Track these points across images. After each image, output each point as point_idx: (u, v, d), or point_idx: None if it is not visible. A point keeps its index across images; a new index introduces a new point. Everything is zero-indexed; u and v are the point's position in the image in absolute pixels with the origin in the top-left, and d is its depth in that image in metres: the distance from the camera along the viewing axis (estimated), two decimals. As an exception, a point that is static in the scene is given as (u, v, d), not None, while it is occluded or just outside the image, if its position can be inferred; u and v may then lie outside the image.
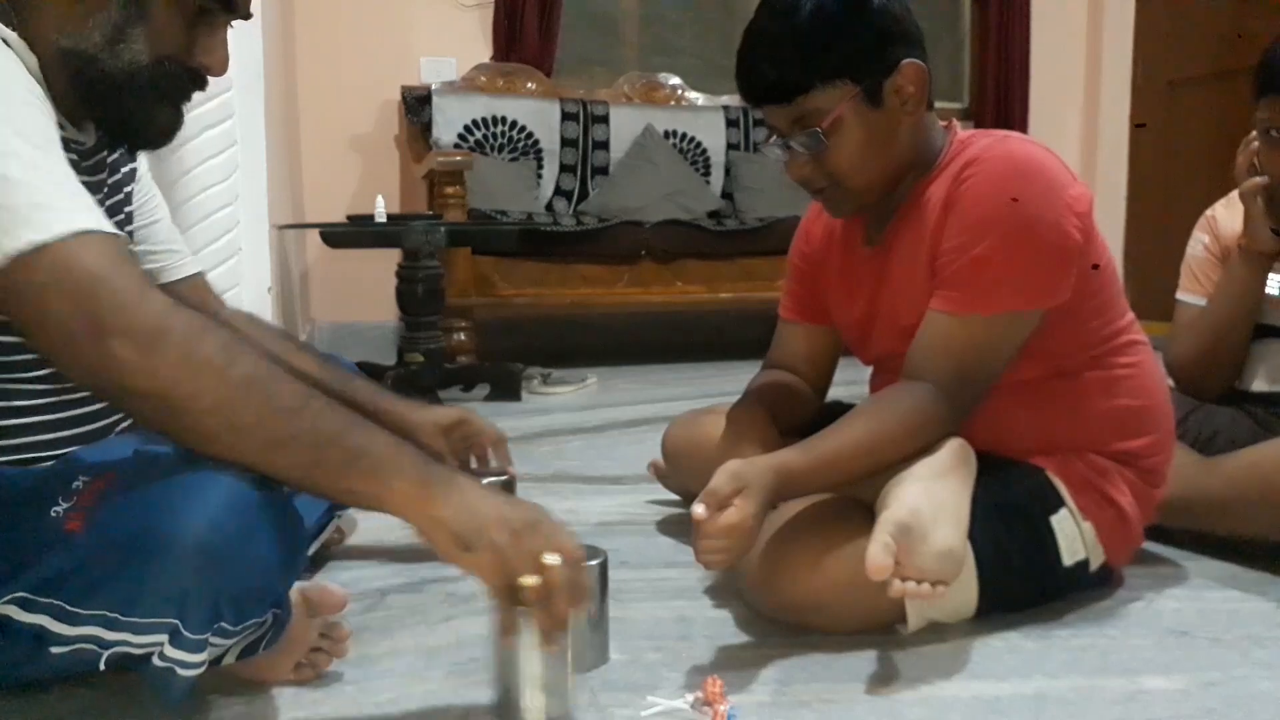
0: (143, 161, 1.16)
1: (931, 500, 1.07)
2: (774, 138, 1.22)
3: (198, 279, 1.24)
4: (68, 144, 0.90)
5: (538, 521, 0.86)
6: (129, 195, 1.12)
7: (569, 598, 0.84)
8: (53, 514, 0.83)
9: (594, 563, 1.08)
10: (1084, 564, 1.20)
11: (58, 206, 0.78)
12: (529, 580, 0.82)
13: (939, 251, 1.16)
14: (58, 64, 0.90)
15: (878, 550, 1.00)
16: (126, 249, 0.82)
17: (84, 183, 0.85)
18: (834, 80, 1.15)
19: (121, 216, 1.08)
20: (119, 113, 0.94)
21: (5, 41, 0.86)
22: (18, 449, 0.94)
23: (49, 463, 0.93)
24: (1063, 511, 1.18)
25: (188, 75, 0.96)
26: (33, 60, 0.89)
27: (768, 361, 1.51)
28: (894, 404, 1.15)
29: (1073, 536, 1.18)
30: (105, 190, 1.04)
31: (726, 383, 3.03)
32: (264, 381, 0.80)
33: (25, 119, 0.81)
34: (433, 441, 1.30)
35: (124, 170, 1.10)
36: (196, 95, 0.99)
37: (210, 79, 0.99)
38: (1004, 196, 1.12)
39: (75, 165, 0.89)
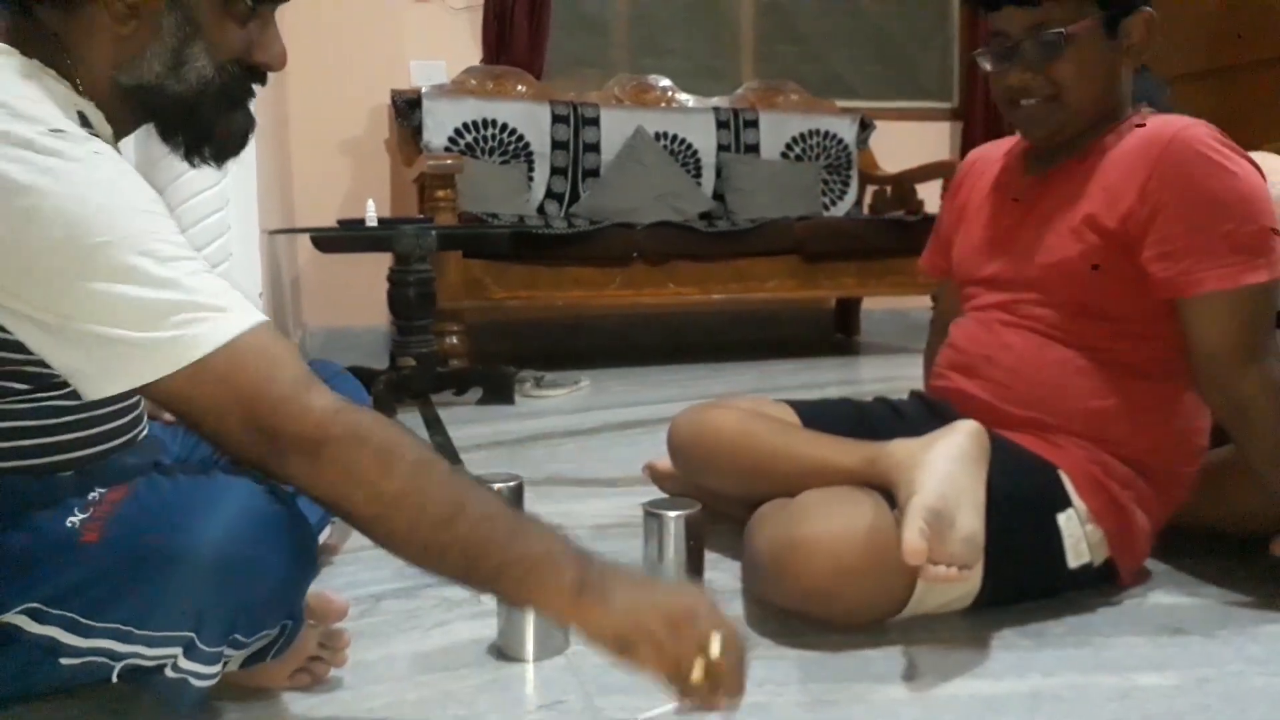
0: None
1: (955, 485, 1.08)
2: (993, 44, 1.26)
3: None
4: None
5: (694, 608, 0.84)
6: None
7: (732, 685, 0.84)
8: (68, 525, 0.83)
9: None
10: (1087, 567, 1.20)
11: (203, 318, 0.78)
12: (696, 674, 0.81)
13: (1151, 224, 1.17)
14: (119, 99, 0.88)
15: (914, 535, 1.01)
16: (274, 335, 0.82)
17: None
18: None
19: None
20: (199, 130, 0.93)
21: (83, 118, 0.83)
22: (36, 458, 0.93)
23: (66, 473, 0.92)
24: (1070, 511, 1.18)
25: (251, 75, 0.96)
26: (100, 117, 0.88)
27: (935, 318, 1.65)
28: (1256, 399, 1.16)
29: (1078, 538, 1.18)
30: None
31: (719, 383, 3.04)
32: (418, 494, 0.81)
33: (147, 228, 0.79)
34: None
35: None
36: None
37: (266, 82, 0.99)
38: (1236, 178, 1.16)
39: None
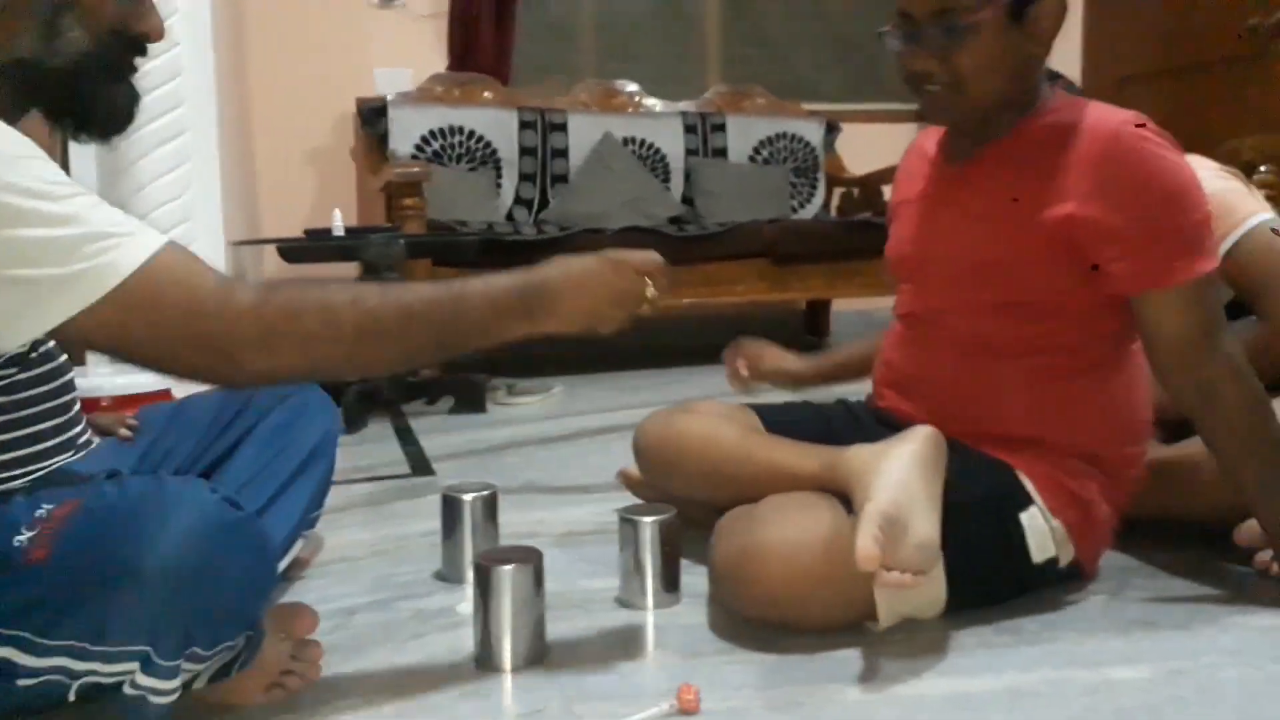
0: None
1: (909, 491, 1.08)
2: (897, 27, 1.23)
3: None
4: None
5: (619, 262, 1.07)
6: None
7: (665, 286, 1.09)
8: (15, 543, 0.81)
9: (528, 564, 1.09)
10: (1053, 561, 1.21)
11: (108, 248, 0.79)
12: (646, 309, 1.10)
13: (1104, 223, 1.15)
14: None
15: (867, 541, 1.01)
16: (184, 250, 0.85)
17: None
18: None
19: None
20: (79, 104, 0.93)
21: None
22: None
23: (11, 485, 0.90)
24: (1032, 509, 1.19)
25: (130, 46, 0.95)
26: None
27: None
28: (1224, 380, 1.17)
29: (1042, 534, 1.19)
30: None
31: (690, 388, 3.04)
32: (371, 322, 0.89)
33: (33, 172, 0.79)
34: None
35: None
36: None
37: (147, 53, 0.98)
38: (1180, 170, 1.16)
39: None
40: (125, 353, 0.82)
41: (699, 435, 1.35)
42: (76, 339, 0.82)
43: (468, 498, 1.39)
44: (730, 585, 1.17)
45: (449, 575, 1.38)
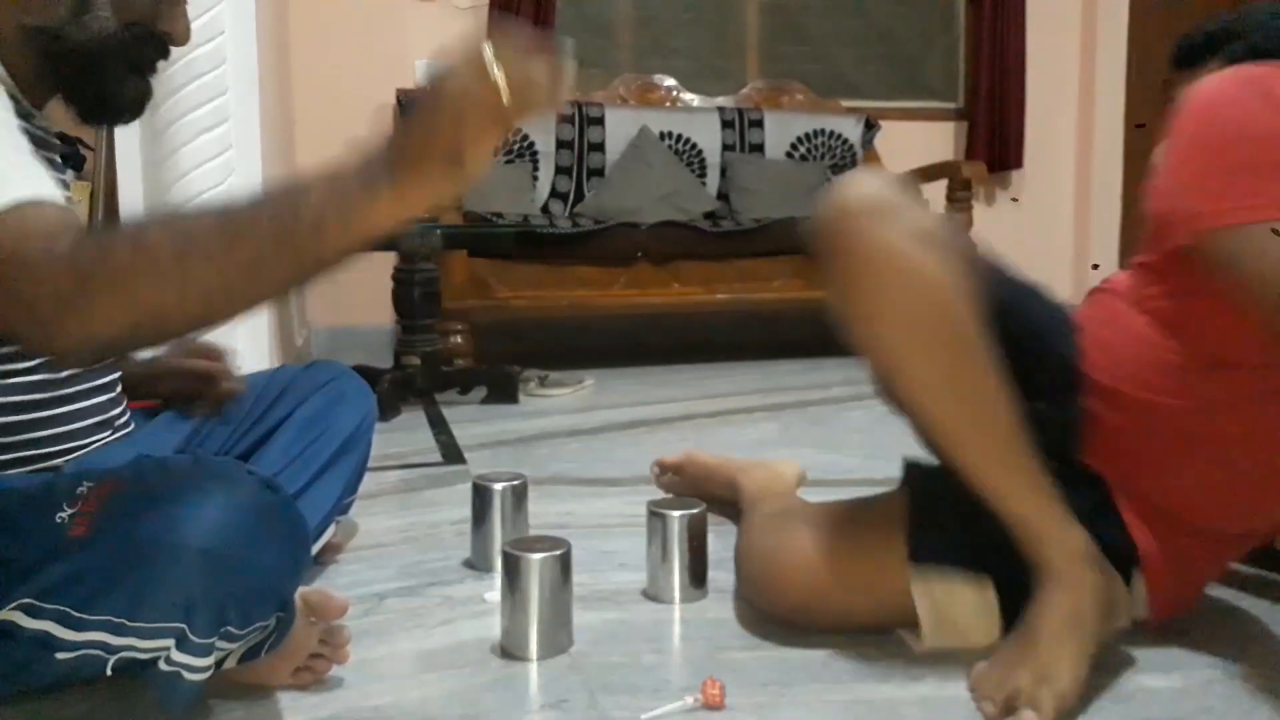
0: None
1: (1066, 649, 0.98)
2: None
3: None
4: (27, 131, 0.89)
5: (440, 98, 0.75)
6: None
7: (539, 78, 0.75)
8: (58, 519, 0.83)
9: (557, 553, 1.09)
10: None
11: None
12: (500, 82, 0.72)
13: None
14: (21, 44, 0.89)
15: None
16: (61, 214, 0.76)
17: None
18: None
19: None
20: (91, 84, 0.94)
21: None
22: (28, 450, 0.93)
23: (54, 465, 0.92)
24: (1135, 574, 1.08)
25: (154, 43, 0.96)
26: None
27: None
28: None
29: (1136, 600, 1.09)
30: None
31: (723, 384, 3.04)
32: (185, 241, 0.73)
33: None
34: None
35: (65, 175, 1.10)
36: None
37: (169, 55, 0.99)
38: None
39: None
40: None
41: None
42: None
43: (498, 487, 1.40)
44: (755, 592, 1.19)
45: (478, 563, 1.39)
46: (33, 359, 0.93)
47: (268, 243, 0.74)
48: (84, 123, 1.00)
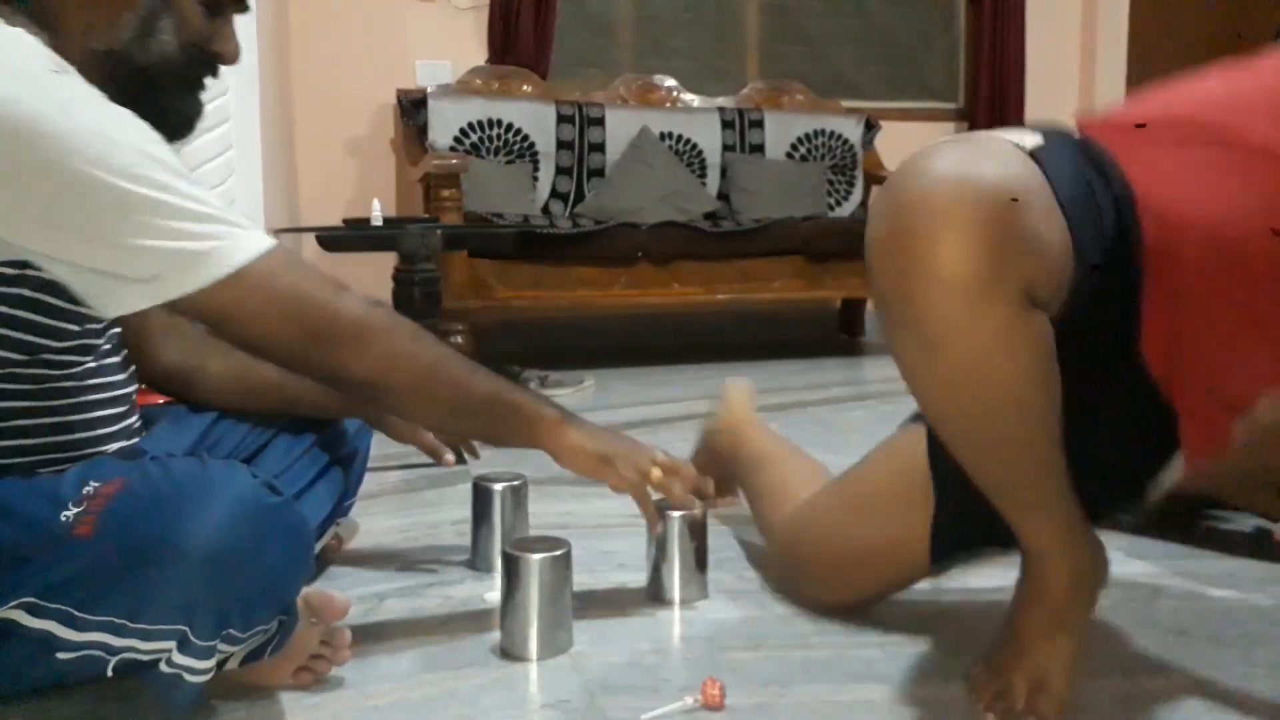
0: None
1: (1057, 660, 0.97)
2: None
3: None
4: None
5: (632, 440, 1.16)
6: None
7: (688, 476, 1.16)
8: (63, 519, 0.83)
9: (557, 553, 1.10)
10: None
11: (236, 230, 0.87)
12: (657, 474, 1.12)
13: None
14: (87, 67, 0.91)
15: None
16: (293, 251, 0.94)
17: None
18: None
19: None
20: (154, 105, 0.96)
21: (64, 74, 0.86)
22: (39, 455, 0.93)
23: (64, 468, 0.92)
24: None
25: (207, 63, 1.00)
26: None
27: None
28: None
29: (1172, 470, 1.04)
30: None
31: (722, 384, 3.03)
32: (444, 366, 1.00)
33: (173, 158, 0.86)
34: (410, 430, 1.42)
35: None
36: None
37: (219, 74, 1.03)
38: None
39: None
40: (229, 323, 0.89)
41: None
42: (189, 312, 0.89)
43: (498, 487, 1.40)
44: (790, 580, 1.24)
45: (478, 564, 1.39)
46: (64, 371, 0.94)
47: (485, 411, 1.04)
48: None
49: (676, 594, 1.25)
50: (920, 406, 0.96)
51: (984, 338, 0.82)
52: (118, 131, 0.83)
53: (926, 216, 0.81)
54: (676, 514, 1.25)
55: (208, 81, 1.02)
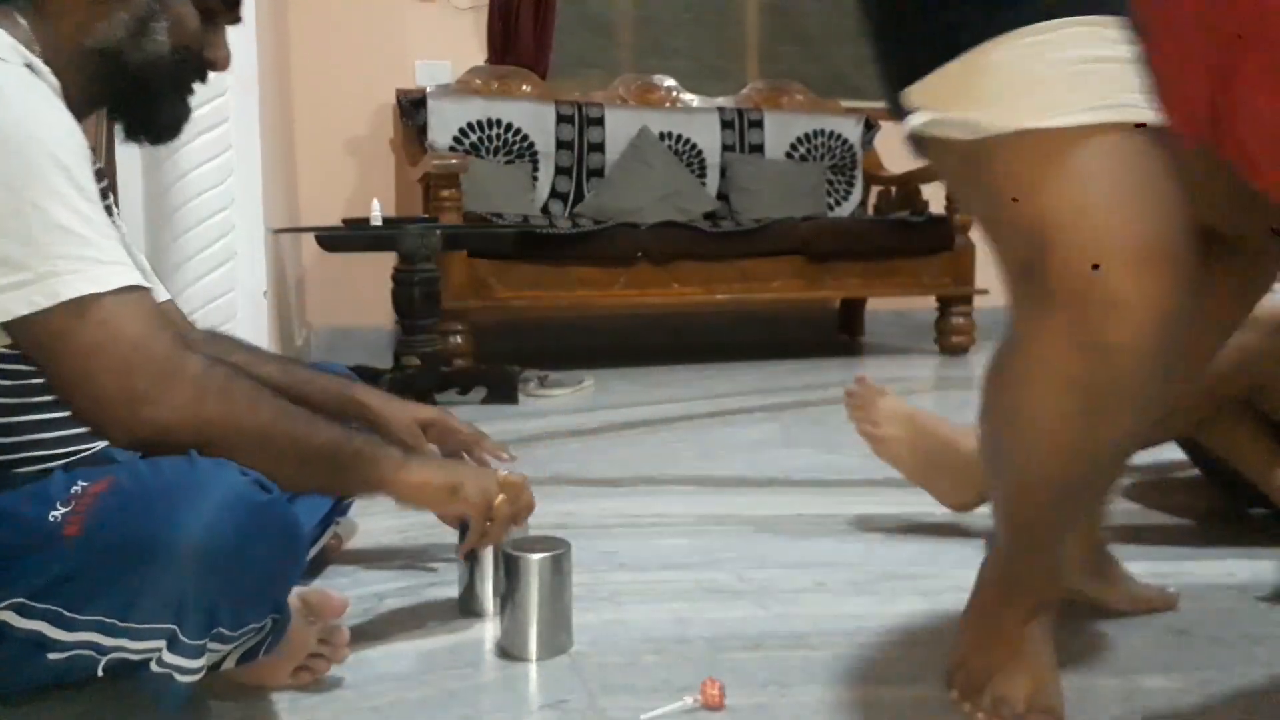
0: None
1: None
2: None
3: (170, 306, 1.24)
4: None
5: (476, 469, 1.14)
6: (110, 207, 1.12)
7: (525, 507, 1.16)
8: (51, 518, 0.83)
9: (557, 553, 1.09)
10: None
11: (106, 260, 0.85)
12: (499, 500, 1.09)
13: None
14: (79, 65, 0.92)
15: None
16: (157, 303, 0.91)
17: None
18: None
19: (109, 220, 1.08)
20: (142, 104, 0.98)
21: (33, 70, 0.87)
22: (29, 452, 0.93)
23: (51, 465, 0.92)
24: None
25: (197, 68, 1.01)
26: (56, 83, 0.91)
27: None
28: None
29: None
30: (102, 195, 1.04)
31: (723, 384, 3.04)
32: (283, 420, 0.94)
33: (80, 170, 0.86)
34: (413, 438, 1.33)
35: (103, 183, 1.10)
36: (193, 101, 1.03)
37: (207, 80, 1.05)
38: None
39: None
40: (52, 353, 0.85)
41: None
42: (19, 340, 0.86)
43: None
44: None
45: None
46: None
47: (329, 465, 0.98)
48: (127, 139, 1.05)
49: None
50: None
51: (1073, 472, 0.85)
52: (38, 128, 0.83)
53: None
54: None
55: (196, 87, 1.03)
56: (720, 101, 4.07)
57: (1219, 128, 0.77)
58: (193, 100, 1.04)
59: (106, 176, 1.10)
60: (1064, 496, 0.88)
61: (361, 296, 3.68)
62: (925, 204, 3.88)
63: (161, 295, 1.24)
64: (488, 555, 1.20)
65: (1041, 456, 0.84)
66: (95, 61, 0.93)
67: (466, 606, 1.22)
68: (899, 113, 0.84)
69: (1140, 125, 0.74)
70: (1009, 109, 0.75)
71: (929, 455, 1.46)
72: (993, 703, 0.94)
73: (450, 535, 1.49)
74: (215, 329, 1.41)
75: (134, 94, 0.98)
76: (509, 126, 3.70)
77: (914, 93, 0.81)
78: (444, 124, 3.61)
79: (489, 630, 1.15)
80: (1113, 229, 0.72)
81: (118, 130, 1.04)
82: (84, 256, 0.84)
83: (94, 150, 1.03)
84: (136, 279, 0.87)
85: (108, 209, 1.10)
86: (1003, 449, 0.88)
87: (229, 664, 0.91)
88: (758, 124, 4.01)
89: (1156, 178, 0.74)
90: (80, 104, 0.95)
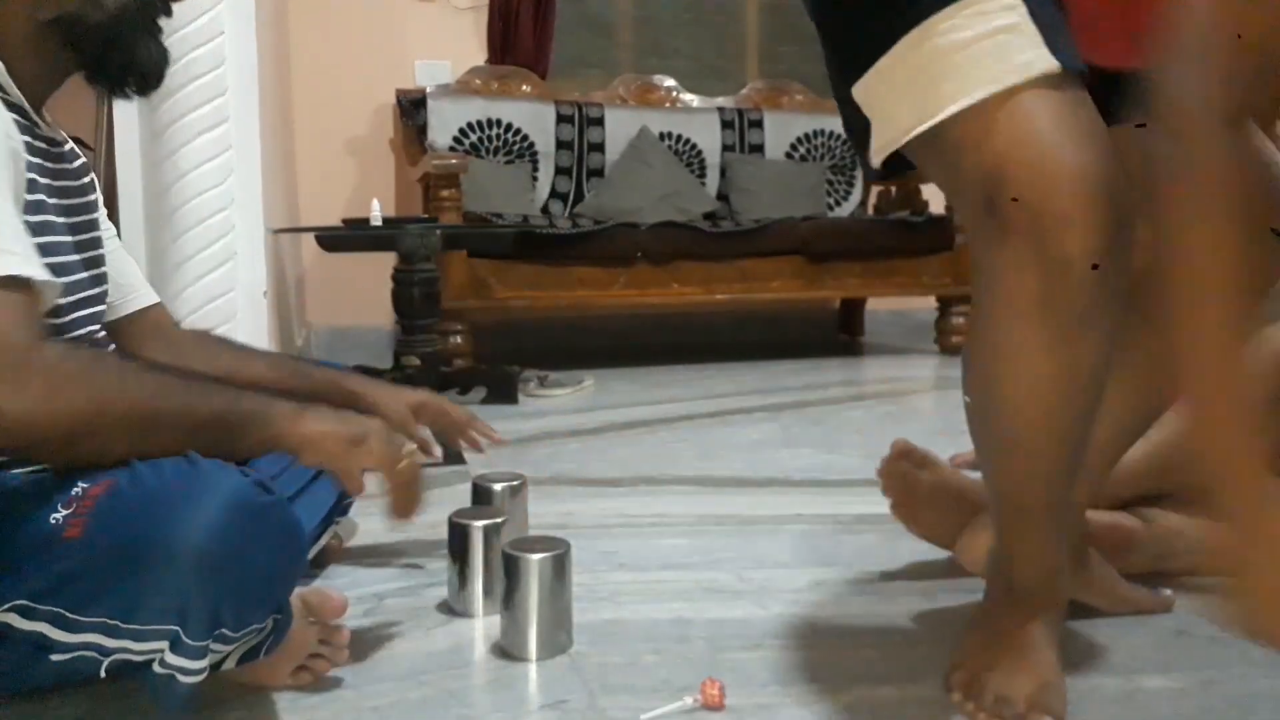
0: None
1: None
2: None
3: (158, 309, 1.24)
4: (36, 149, 0.90)
5: (387, 428, 1.01)
6: (96, 202, 1.11)
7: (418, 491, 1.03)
8: (52, 520, 0.83)
9: (557, 553, 1.09)
10: None
11: None
12: (404, 463, 0.99)
13: None
14: (37, 42, 0.90)
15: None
16: (27, 294, 0.85)
17: (50, 186, 0.84)
18: None
19: (93, 216, 1.08)
20: (115, 58, 0.96)
21: None
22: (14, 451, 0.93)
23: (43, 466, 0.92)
24: None
25: (161, 4, 0.99)
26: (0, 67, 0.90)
27: None
28: None
29: None
30: (79, 191, 1.03)
31: (723, 384, 3.04)
32: (163, 392, 0.89)
33: None
34: (405, 421, 1.30)
35: (87, 178, 1.10)
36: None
37: (172, 13, 1.02)
38: None
39: (43, 169, 0.90)
40: None
41: None
42: None
43: (498, 487, 1.40)
44: None
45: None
46: None
47: (219, 429, 0.90)
48: (112, 96, 1.03)
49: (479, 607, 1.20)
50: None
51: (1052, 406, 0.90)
52: None
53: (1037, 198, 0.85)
54: (479, 523, 1.16)
55: (162, 22, 1.01)
56: (720, 101, 4.07)
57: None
58: (164, 38, 1.02)
59: (92, 170, 1.10)
60: (1048, 446, 0.92)
61: (361, 296, 3.68)
62: (925, 204, 3.88)
63: (150, 297, 1.23)
64: (476, 556, 1.20)
65: (1024, 394, 0.89)
66: (57, 32, 0.91)
67: (455, 607, 1.22)
68: (855, 126, 0.96)
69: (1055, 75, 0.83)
70: (934, 100, 0.86)
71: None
72: (994, 702, 0.94)
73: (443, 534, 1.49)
74: (204, 330, 1.39)
75: (106, 51, 0.95)
76: (509, 126, 3.70)
77: (857, 90, 0.93)
78: (444, 124, 3.61)
79: (489, 630, 1.15)
80: (1056, 158, 0.82)
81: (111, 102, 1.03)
82: None
83: (93, 150, 1.03)
84: (17, 269, 0.83)
85: (88, 208, 1.08)
86: (991, 399, 0.93)
87: (229, 664, 0.91)
88: (758, 124, 4.01)
89: (1080, 114, 0.84)
90: (42, 83, 0.94)
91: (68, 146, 1.02)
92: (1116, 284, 0.85)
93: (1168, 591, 1.21)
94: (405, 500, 1.01)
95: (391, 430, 1.01)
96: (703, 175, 3.92)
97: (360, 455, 0.97)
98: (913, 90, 0.88)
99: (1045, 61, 0.83)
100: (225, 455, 0.91)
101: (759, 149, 3.99)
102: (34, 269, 0.85)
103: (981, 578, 1.10)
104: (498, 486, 1.40)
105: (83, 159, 1.06)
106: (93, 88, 1.01)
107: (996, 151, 0.84)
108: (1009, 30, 0.84)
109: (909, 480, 1.28)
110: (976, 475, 1.13)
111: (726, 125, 3.97)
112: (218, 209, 2.10)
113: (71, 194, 1.01)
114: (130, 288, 1.20)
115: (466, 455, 2.00)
